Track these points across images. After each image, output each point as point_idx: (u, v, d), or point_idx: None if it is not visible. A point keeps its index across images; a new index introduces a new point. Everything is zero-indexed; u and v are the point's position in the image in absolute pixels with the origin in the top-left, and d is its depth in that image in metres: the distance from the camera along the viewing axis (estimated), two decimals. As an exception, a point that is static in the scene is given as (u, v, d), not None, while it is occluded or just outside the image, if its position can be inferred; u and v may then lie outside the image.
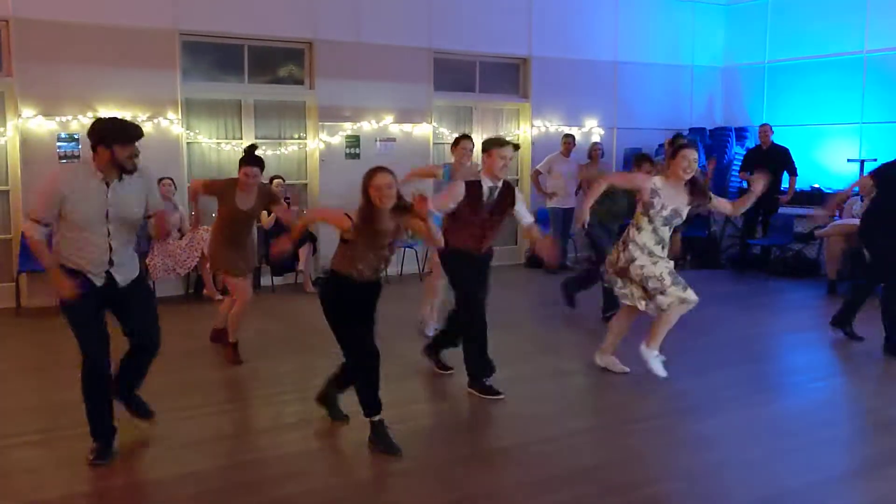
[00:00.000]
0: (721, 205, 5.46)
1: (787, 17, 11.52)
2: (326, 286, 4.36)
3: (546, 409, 5.01)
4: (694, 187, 5.18)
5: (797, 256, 9.84)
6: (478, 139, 10.72)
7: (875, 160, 9.94)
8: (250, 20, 8.85)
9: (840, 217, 9.21)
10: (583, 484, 3.86)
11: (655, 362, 5.29)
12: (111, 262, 4.03)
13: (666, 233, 5.21)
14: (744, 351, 5.59)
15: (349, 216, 4.16)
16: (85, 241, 3.96)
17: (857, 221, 8.55)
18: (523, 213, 5.28)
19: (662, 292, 5.11)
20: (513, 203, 5.20)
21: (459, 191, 5.09)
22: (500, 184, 5.15)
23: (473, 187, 5.10)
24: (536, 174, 10.20)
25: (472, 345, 5.17)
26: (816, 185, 10.60)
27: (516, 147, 5.31)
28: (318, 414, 4.68)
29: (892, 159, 6.36)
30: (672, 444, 4.42)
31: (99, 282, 4.03)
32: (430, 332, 6.43)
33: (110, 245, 4.00)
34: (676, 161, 5.11)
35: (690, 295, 5.15)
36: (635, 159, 7.19)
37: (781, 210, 10.07)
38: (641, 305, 5.28)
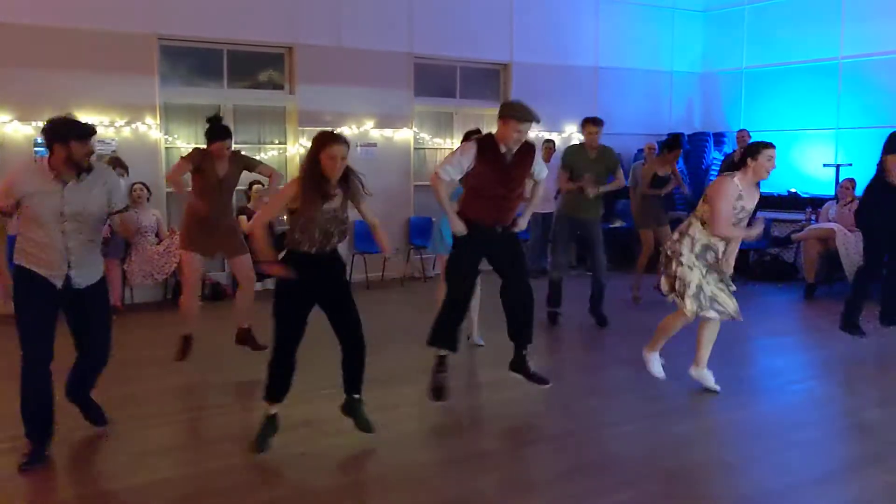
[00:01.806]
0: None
1: (763, 24, 11.66)
2: (277, 287, 4.19)
3: (525, 413, 5.01)
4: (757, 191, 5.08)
5: (775, 260, 9.94)
6: (458, 144, 10.75)
7: (850, 165, 10.08)
8: (230, 25, 8.81)
9: (816, 221, 9.33)
10: (564, 486, 3.87)
11: (655, 365, 5.30)
12: (69, 264, 4.02)
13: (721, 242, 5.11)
14: (721, 354, 5.62)
15: (295, 179, 4.07)
16: (43, 241, 3.96)
17: (833, 225, 8.68)
18: (539, 171, 4.93)
19: (681, 297, 5.08)
20: (531, 163, 4.82)
21: (471, 152, 4.66)
22: (514, 149, 4.74)
23: (487, 148, 4.67)
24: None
25: (446, 311, 4.87)
26: (793, 190, 10.71)
27: (538, 121, 4.86)
28: (294, 419, 4.65)
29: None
30: (651, 446, 4.43)
31: (59, 283, 4.02)
32: (479, 342, 6.35)
33: (67, 245, 3.99)
34: (760, 161, 4.91)
35: (706, 312, 5.07)
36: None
37: (759, 213, 10.15)
38: (671, 296, 5.19)
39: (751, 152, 4.99)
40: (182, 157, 5.83)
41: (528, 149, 4.85)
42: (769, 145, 5.01)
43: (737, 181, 4.98)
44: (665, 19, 12.05)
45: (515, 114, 4.72)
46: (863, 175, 9.79)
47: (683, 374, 5.39)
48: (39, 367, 4.00)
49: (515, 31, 10.70)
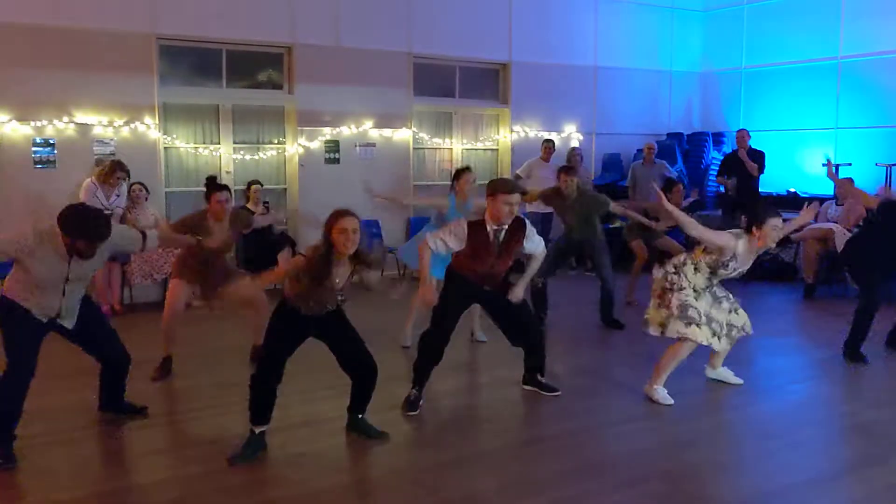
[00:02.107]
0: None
1: (762, 23, 11.66)
2: (276, 309, 4.24)
3: (525, 413, 5.02)
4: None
5: (774, 260, 9.93)
6: (458, 144, 10.78)
7: (850, 164, 10.09)
8: (229, 24, 8.80)
9: (815, 221, 9.32)
10: (562, 487, 3.87)
11: (661, 393, 5.11)
12: (59, 315, 4.18)
13: (716, 279, 5.10)
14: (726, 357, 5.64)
15: (305, 256, 4.07)
16: (38, 291, 4.07)
17: (832, 225, 8.68)
18: (532, 248, 4.99)
19: (698, 325, 4.98)
20: (522, 240, 4.89)
21: (462, 232, 4.76)
22: (506, 226, 4.83)
23: (476, 230, 4.78)
24: (516, 178, 10.22)
25: (422, 356, 5.00)
26: (792, 190, 10.72)
27: (524, 193, 5.05)
28: (294, 419, 4.65)
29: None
30: (651, 446, 4.44)
31: (43, 320, 4.16)
32: (407, 344, 6.36)
33: (62, 302, 4.15)
34: (765, 231, 4.83)
35: (717, 344, 5.08)
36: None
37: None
38: (652, 330, 5.12)
39: (756, 220, 4.88)
40: (176, 224, 5.71)
41: (518, 225, 4.89)
42: (775, 214, 4.89)
43: (739, 245, 4.90)
44: (664, 19, 12.06)
45: (501, 187, 4.77)
46: (862, 175, 9.82)
47: (683, 376, 5.39)
48: (25, 375, 4.05)
49: (514, 30, 10.70)
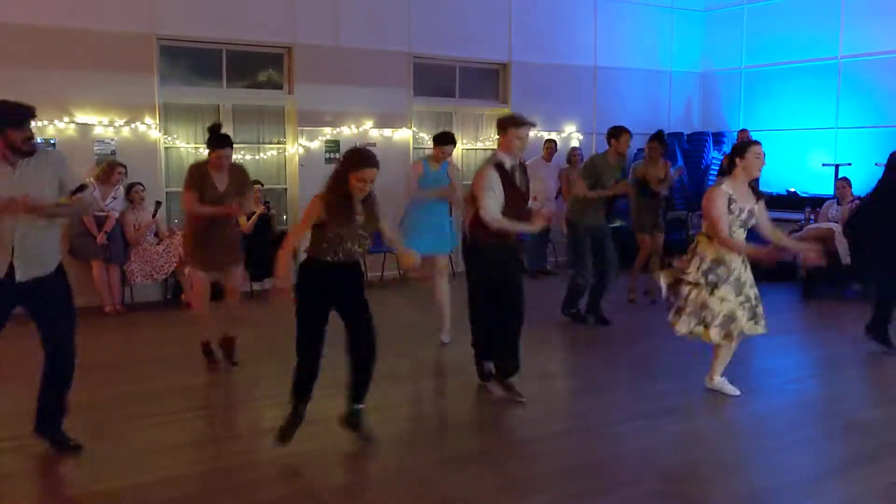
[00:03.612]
0: (765, 223, 5.13)
1: (763, 23, 11.66)
2: (301, 271, 4.23)
3: (526, 412, 5.02)
4: (754, 189, 5.04)
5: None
6: (458, 144, 10.76)
7: (849, 164, 10.10)
8: (229, 25, 8.81)
9: (815, 221, 9.34)
10: (561, 486, 3.88)
11: (725, 385, 5.19)
12: (12, 252, 3.84)
13: (742, 235, 5.01)
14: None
15: (321, 197, 4.08)
16: None
17: (832, 225, 8.69)
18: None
19: (707, 327, 4.99)
20: (528, 178, 5.15)
21: (495, 180, 4.86)
22: (518, 160, 5.05)
23: (502, 172, 4.91)
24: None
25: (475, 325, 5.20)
26: (792, 189, 10.73)
27: (533, 124, 5.14)
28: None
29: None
30: (650, 445, 4.44)
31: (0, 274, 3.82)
32: (447, 340, 6.37)
33: (14, 233, 3.82)
34: (748, 159, 4.89)
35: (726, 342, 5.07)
36: (613, 131, 7.16)
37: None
38: (680, 325, 5.10)
39: (738, 153, 4.98)
40: (186, 186, 5.66)
41: (524, 167, 5.17)
42: (754, 142, 5.03)
43: (724, 187, 4.94)
44: (664, 19, 12.06)
45: (510, 122, 4.98)
46: (862, 175, 9.83)
47: (683, 375, 5.40)
48: None
49: (514, 30, 10.71)
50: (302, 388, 4.24)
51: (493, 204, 4.86)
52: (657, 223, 8.24)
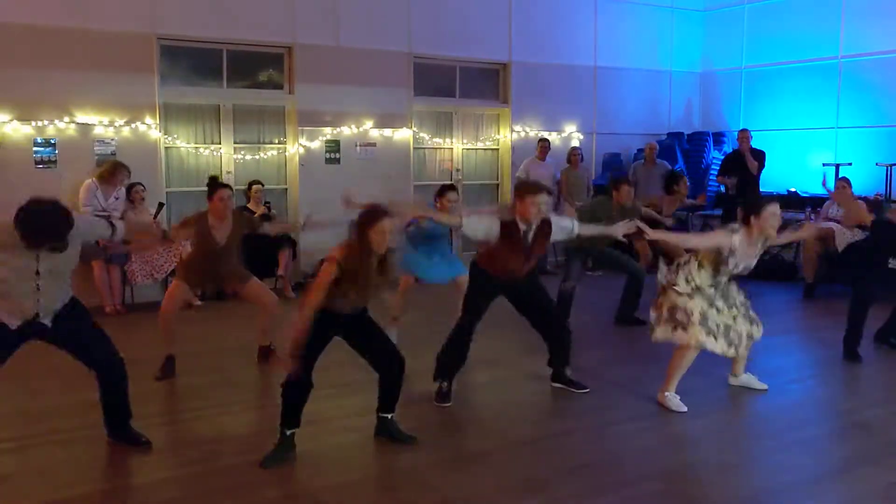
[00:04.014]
0: (775, 241, 5.31)
1: (763, 23, 11.66)
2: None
3: (526, 413, 5.03)
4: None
5: (774, 259, 9.94)
6: (458, 144, 10.79)
7: (850, 164, 10.10)
8: (229, 24, 8.81)
9: (815, 220, 9.32)
10: (561, 486, 3.88)
11: (673, 401, 5.03)
12: (38, 314, 3.96)
13: (724, 280, 5.04)
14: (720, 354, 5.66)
15: (336, 259, 4.03)
16: (7, 289, 3.85)
17: (832, 225, 8.68)
18: (567, 232, 5.20)
19: (684, 328, 4.95)
20: (549, 236, 5.12)
21: (496, 228, 4.95)
22: (534, 225, 5.02)
23: (510, 228, 4.96)
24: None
25: (448, 353, 5.18)
26: (793, 189, 10.72)
27: (550, 193, 5.17)
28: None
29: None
30: (650, 445, 4.45)
31: (12, 325, 3.94)
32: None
33: (38, 301, 3.94)
34: (764, 219, 4.80)
35: (712, 345, 4.94)
36: (613, 182, 7.21)
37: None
38: (658, 333, 5.08)
39: (752, 210, 4.85)
40: (179, 225, 5.75)
41: (544, 223, 5.09)
42: (771, 201, 4.89)
43: (735, 239, 4.85)
44: (664, 19, 12.06)
45: (528, 190, 4.99)
46: (862, 175, 9.83)
47: (683, 375, 5.39)
48: None
49: (514, 30, 10.70)
50: (291, 415, 4.18)
51: (477, 224, 4.95)
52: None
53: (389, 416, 4.44)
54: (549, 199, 5.03)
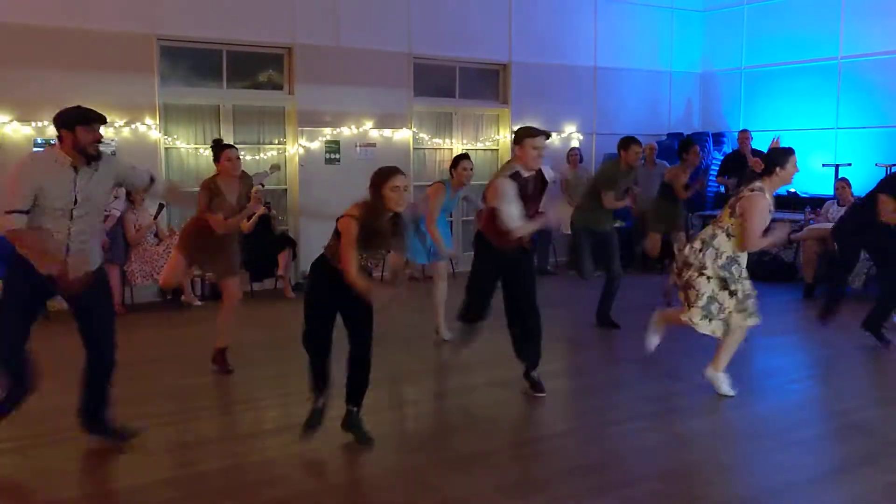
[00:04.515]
0: None
1: (763, 23, 11.67)
2: (313, 268, 4.29)
3: (525, 413, 5.03)
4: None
5: (774, 260, 9.94)
6: (458, 144, 10.79)
7: (849, 164, 10.10)
8: (229, 25, 8.82)
9: (815, 221, 9.33)
10: (561, 486, 3.88)
11: (722, 383, 5.15)
12: (67, 250, 3.96)
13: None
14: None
15: (354, 218, 4.04)
16: (47, 220, 3.89)
17: (832, 226, 8.67)
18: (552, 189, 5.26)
19: (689, 306, 5.01)
20: (545, 187, 5.15)
21: (513, 189, 4.89)
22: (534, 172, 5.04)
23: (518, 181, 4.93)
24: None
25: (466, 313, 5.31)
26: (793, 190, 10.72)
27: (548, 135, 5.11)
28: (294, 420, 4.66)
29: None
30: (650, 446, 4.45)
31: (45, 272, 3.93)
32: (447, 337, 6.46)
33: (70, 233, 3.95)
34: (788, 169, 4.91)
35: (704, 327, 5.00)
36: (623, 143, 7.06)
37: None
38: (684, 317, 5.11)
39: (779, 161, 4.95)
40: (202, 204, 5.68)
41: (541, 176, 5.12)
42: (791, 151, 5.01)
43: (767, 196, 4.92)
44: (664, 19, 12.06)
45: (525, 133, 4.98)
46: (862, 175, 9.83)
47: (683, 375, 5.41)
48: (12, 341, 3.97)
49: (514, 30, 10.71)
50: (316, 380, 4.29)
51: (514, 211, 4.90)
52: (676, 224, 8.19)
53: (354, 409, 4.37)
54: (545, 140, 4.97)
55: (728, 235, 4.99)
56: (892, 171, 9.65)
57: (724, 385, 5.21)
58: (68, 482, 3.93)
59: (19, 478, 3.98)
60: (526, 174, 4.98)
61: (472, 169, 6.49)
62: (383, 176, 4.10)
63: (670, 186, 7.98)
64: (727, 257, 4.98)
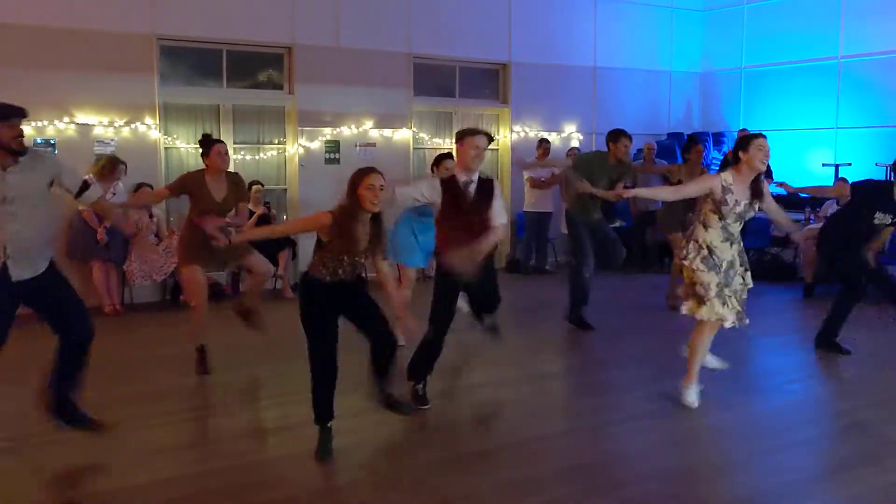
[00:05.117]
0: (775, 211, 5.25)
1: (762, 23, 11.67)
2: (301, 289, 4.27)
3: (524, 412, 5.02)
4: (755, 185, 4.92)
5: (774, 260, 9.95)
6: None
7: (849, 164, 10.10)
8: (229, 25, 8.82)
9: (815, 221, 9.33)
10: (560, 486, 3.88)
11: (689, 397, 5.03)
12: (5, 252, 3.81)
13: (736, 228, 4.96)
14: (720, 353, 5.64)
15: (331, 212, 4.06)
16: None
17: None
18: (497, 210, 4.88)
19: (703, 302, 4.91)
20: (492, 197, 4.87)
21: (435, 184, 4.75)
22: (475, 178, 4.83)
23: (449, 183, 4.76)
24: (532, 181, 10.18)
25: (425, 351, 5.02)
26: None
27: (490, 138, 5.00)
28: (294, 420, 4.66)
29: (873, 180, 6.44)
30: (649, 445, 4.45)
31: None
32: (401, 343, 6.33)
33: (5, 234, 3.79)
34: (751, 152, 4.81)
35: (726, 314, 4.89)
36: (612, 135, 6.97)
37: (757, 214, 10.16)
38: (685, 308, 5.04)
39: (741, 146, 4.91)
40: (170, 186, 5.62)
41: (488, 183, 4.92)
42: (759, 135, 4.95)
43: (724, 175, 4.89)
44: (664, 19, 12.06)
45: (467, 131, 4.88)
46: (862, 174, 9.81)
47: (680, 374, 5.39)
48: None
49: (514, 30, 10.71)
50: (323, 408, 4.18)
51: (414, 189, 4.80)
52: (684, 220, 8.15)
53: (388, 391, 4.41)
54: (487, 142, 4.83)
55: (705, 226, 4.95)
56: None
57: (691, 396, 5.10)
58: (67, 482, 3.93)
59: (19, 478, 3.98)
60: (464, 177, 4.79)
61: (454, 168, 6.26)
62: (359, 175, 4.08)
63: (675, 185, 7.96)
64: (706, 247, 4.92)
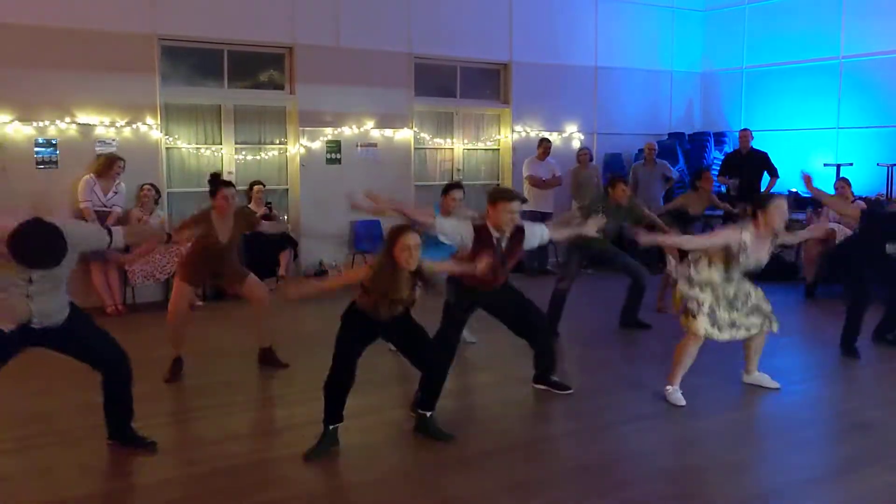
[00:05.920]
0: (787, 238, 5.37)
1: (764, 23, 11.66)
2: (345, 314, 4.33)
3: (526, 413, 5.02)
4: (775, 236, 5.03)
5: (775, 259, 9.90)
6: (459, 144, 10.79)
7: (851, 164, 10.09)
8: (230, 25, 8.82)
9: (817, 221, 9.32)
10: (564, 487, 3.88)
11: (674, 395, 5.09)
12: (31, 319, 3.87)
13: (737, 276, 5.06)
14: (723, 354, 5.65)
15: (370, 266, 4.18)
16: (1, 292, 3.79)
17: (833, 225, 8.67)
18: (536, 241, 5.09)
19: (694, 316, 5.00)
20: (522, 243, 5.00)
21: (469, 232, 4.84)
22: (507, 233, 4.92)
23: (483, 234, 4.85)
24: (532, 179, 10.19)
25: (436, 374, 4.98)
26: (794, 190, 10.70)
27: (523, 200, 5.08)
28: (295, 420, 4.66)
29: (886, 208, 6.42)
30: (653, 446, 4.44)
31: (5, 329, 3.86)
32: (472, 339, 6.36)
33: (30, 305, 3.84)
34: (771, 214, 4.86)
35: (717, 335, 5.01)
36: (610, 180, 7.19)
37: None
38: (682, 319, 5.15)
39: (760, 205, 4.94)
40: (184, 223, 5.69)
41: (518, 230, 4.99)
42: (779, 196, 4.99)
43: (745, 235, 4.92)
44: (665, 19, 12.06)
45: (501, 195, 4.91)
46: (863, 175, 9.83)
47: (684, 375, 5.38)
48: None
49: (515, 30, 10.70)
50: (334, 411, 4.24)
51: (451, 226, 4.86)
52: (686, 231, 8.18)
53: (428, 413, 4.49)
54: (520, 206, 4.93)
55: (709, 264, 5.02)
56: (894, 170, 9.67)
57: (768, 380, 5.32)
58: (68, 482, 3.92)
59: (19, 478, 3.97)
60: (495, 234, 4.87)
61: (461, 199, 6.20)
62: (394, 234, 4.13)
63: (684, 212, 8.03)
64: (703, 280, 5.01)
